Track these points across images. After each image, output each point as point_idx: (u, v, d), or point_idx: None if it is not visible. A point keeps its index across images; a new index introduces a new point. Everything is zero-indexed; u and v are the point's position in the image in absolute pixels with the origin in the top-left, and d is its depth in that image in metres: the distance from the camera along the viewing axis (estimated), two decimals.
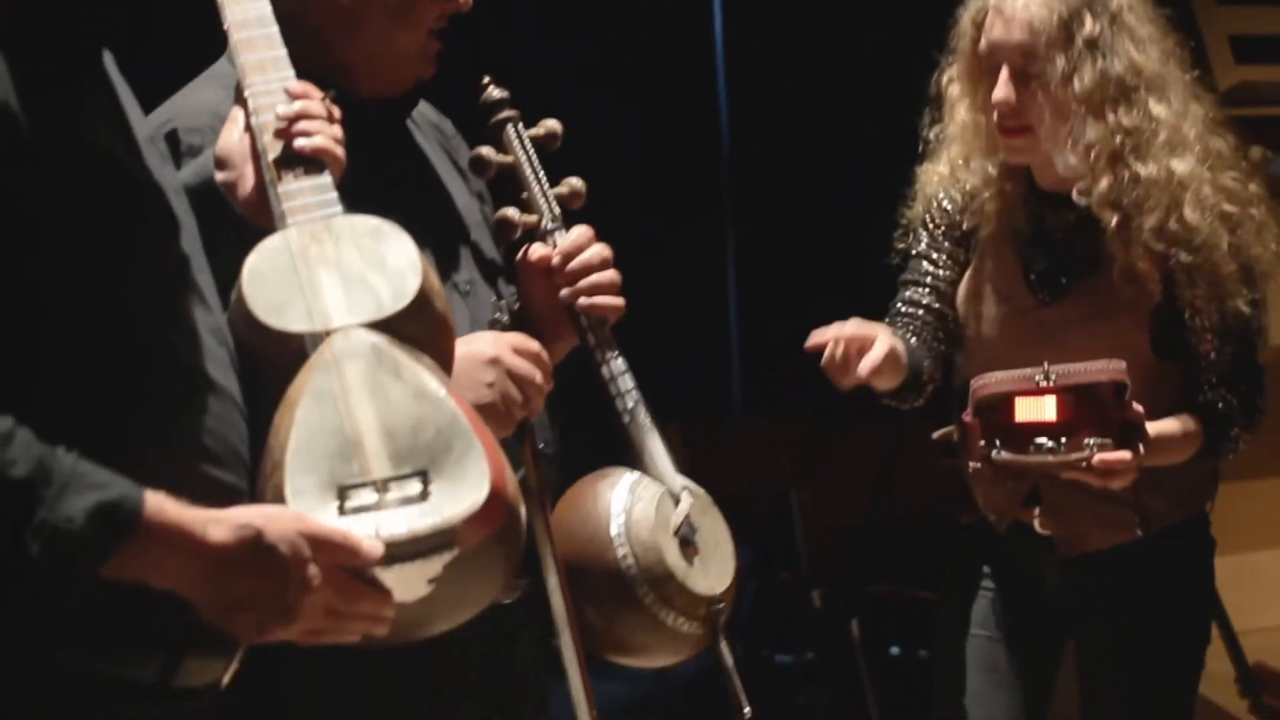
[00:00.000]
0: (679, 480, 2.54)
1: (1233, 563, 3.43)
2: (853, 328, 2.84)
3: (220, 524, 1.79)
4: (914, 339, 3.11)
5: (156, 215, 1.96)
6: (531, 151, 2.62)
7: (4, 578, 1.70)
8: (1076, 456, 2.81)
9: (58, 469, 1.71)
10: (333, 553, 1.83)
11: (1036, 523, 3.05)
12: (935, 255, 3.15)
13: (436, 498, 1.90)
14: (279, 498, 1.87)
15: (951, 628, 3.17)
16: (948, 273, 3.14)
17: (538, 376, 2.40)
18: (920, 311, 3.14)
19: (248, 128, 2.13)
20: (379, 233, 2.05)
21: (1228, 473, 3.15)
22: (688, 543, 2.49)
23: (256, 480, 1.94)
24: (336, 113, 2.14)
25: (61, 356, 1.80)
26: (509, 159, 2.61)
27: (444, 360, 2.06)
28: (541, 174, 2.62)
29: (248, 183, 2.13)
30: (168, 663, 1.92)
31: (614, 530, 2.46)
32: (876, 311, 3.07)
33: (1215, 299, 2.94)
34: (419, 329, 2.02)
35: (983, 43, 2.98)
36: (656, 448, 2.55)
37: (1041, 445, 2.81)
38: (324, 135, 2.10)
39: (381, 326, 1.99)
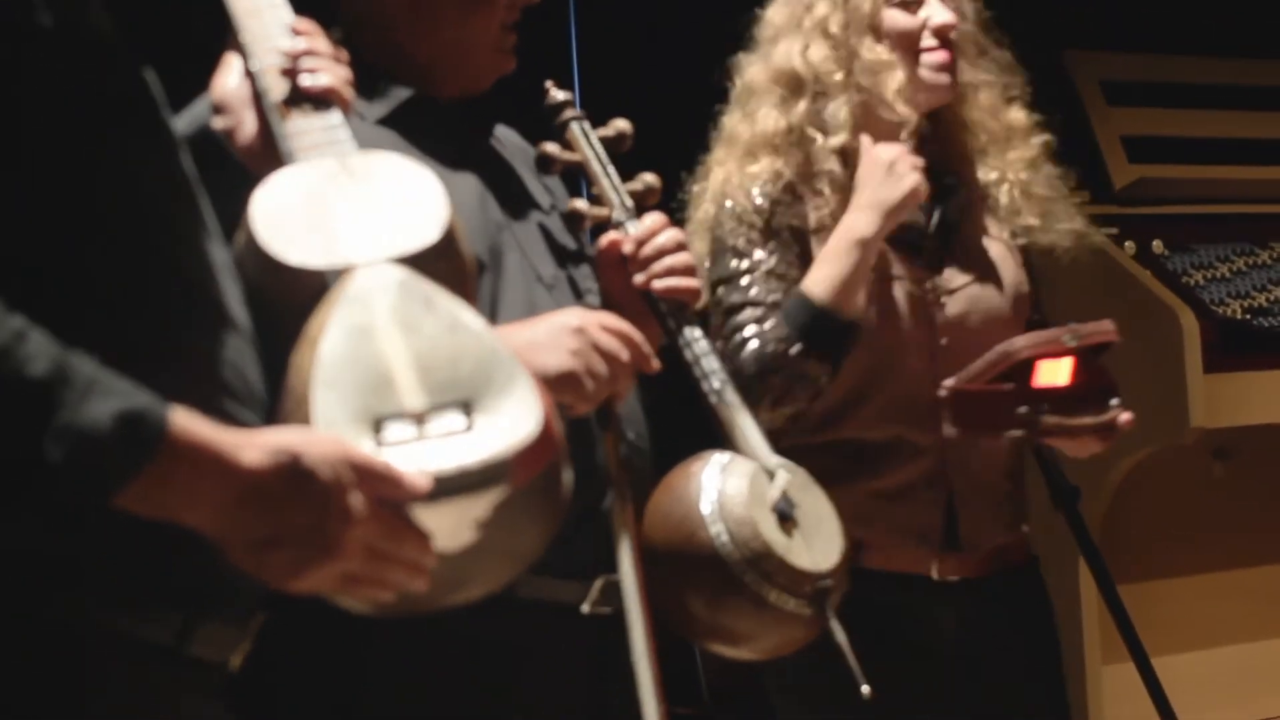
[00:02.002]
0: (774, 458, 2.46)
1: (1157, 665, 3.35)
2: None
3: (254, 446, 1.60)
4: None
5: (165, 123, 1.80)
6: (599, 148, 2.60)
7: (17, 492, 1.50)
8: (1109, 418, 2.78)
9: (79, 371, 1.52)
10: (376, 484, 1.64)
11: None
12: (776, 260, 2.99)
13: (482, 430, 1.72)
14: None
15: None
16: (795, 274, 2.99)
17: (625, 354, 2.32)
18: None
19: (246, 73, 1.99)
20: (399, 169, 1.91)
21: (1143, 573, 3.15)
22: (786, 518, 2.38)
23: (276, 421, 1.75)
24: (344, 53, 2.01)
25: (71, 261, 1.62)
26: (576, 156, 2.58)
27: (469, 306, 1.91)
28: (610, 168, 2.59)
29: (248, 128, 1.99)
30: (184, 624, 1.71)
31: (706, 508, 2.35)
32: None
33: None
34: (445, 270, 1.87)
35: None
36: (748, 425, 2.48)
37: (1081, 406, 2.73)
38: (332, 74, 1.97)
39: (407, 262, 1.84)
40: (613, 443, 2.41)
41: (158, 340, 1.68)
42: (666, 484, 2.42)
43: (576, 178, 2.64)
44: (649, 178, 2.59)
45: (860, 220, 2.91)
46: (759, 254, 2.97)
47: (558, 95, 2.62)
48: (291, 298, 1.82)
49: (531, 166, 2.63)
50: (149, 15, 2.28)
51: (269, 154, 1.95)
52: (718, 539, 2.33)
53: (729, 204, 3.01)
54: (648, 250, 2.51)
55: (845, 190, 2.98)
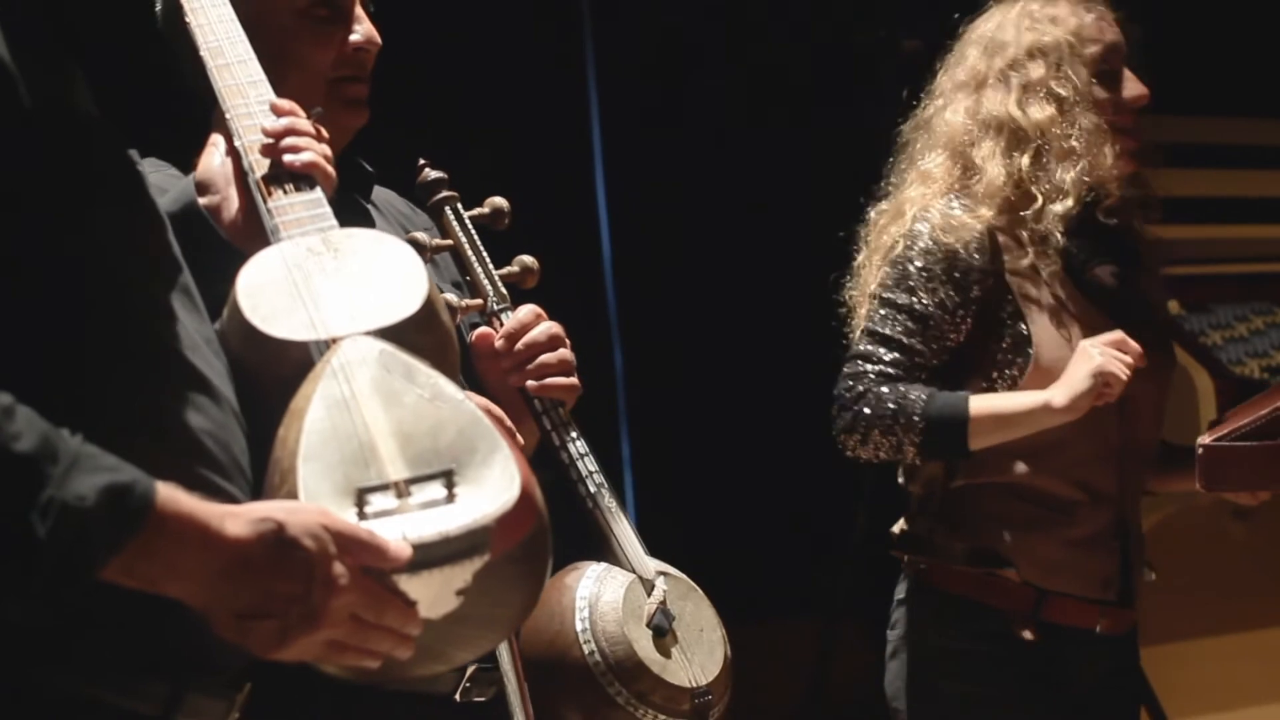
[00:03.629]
0: (652, 565, 2.39)
1: None
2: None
3: (238, 518, 1.62)
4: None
5: (149, 201, 1.83)
6: (472, 231, 2.51)
7: (5, 568, 1.52)
8: None
9: (64, 447, 1.55)
10: (358, 553, 1.66)
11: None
12: (933, 309, 3.06)
13: (464, 499, 1.75)
14: None
15: None
16: (955, 323, 3.08)
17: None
18: (918, 372, 3.05)
19: (229, 152, 2.03)
20: (380, 242, 1.94)
21: (1163, 635, 3.18)
22: (663, 632, 2.33)
23: (262, 495, 1.78)
24: (324, 131, 2.04)
25: (59, 337, 1.65)
26: (448, 241, 2.50)
27: (452, 377, 1.93)
28: (484, 254, 2.51)
29: (233, 205, 2.02)
30: (171, 694, 1.72)
31: (579, 625, 2.32)
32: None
33: None
34: (426, 341, 1.89)
35: (1098, 45, 3.14)
36: (625, 532, 2.41)
37: None
38: (313, 151, 2.00)
39: (388, 334, 1.86)
40: None
41: (140, 414, 1.71)
42: (540, 598, 2.39)
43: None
44: (526, 259, 2.51)
45: (1059, 394, 2.96)
46: (927, 300, 3.05)
47: (430, 175, 2.54)
48: (276, 371, 1.84)
49: (414, 229, 2.56)
50: (138, 92, 2.33)
51: (254, 230, 1.98)
52: (590, 658, 2.30)
53: (923, 241, 3.07)
54: (520, 346, 2.43)
55: (1051, 248, 3.08)
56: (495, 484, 1.76)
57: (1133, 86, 3.15)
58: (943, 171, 3.14)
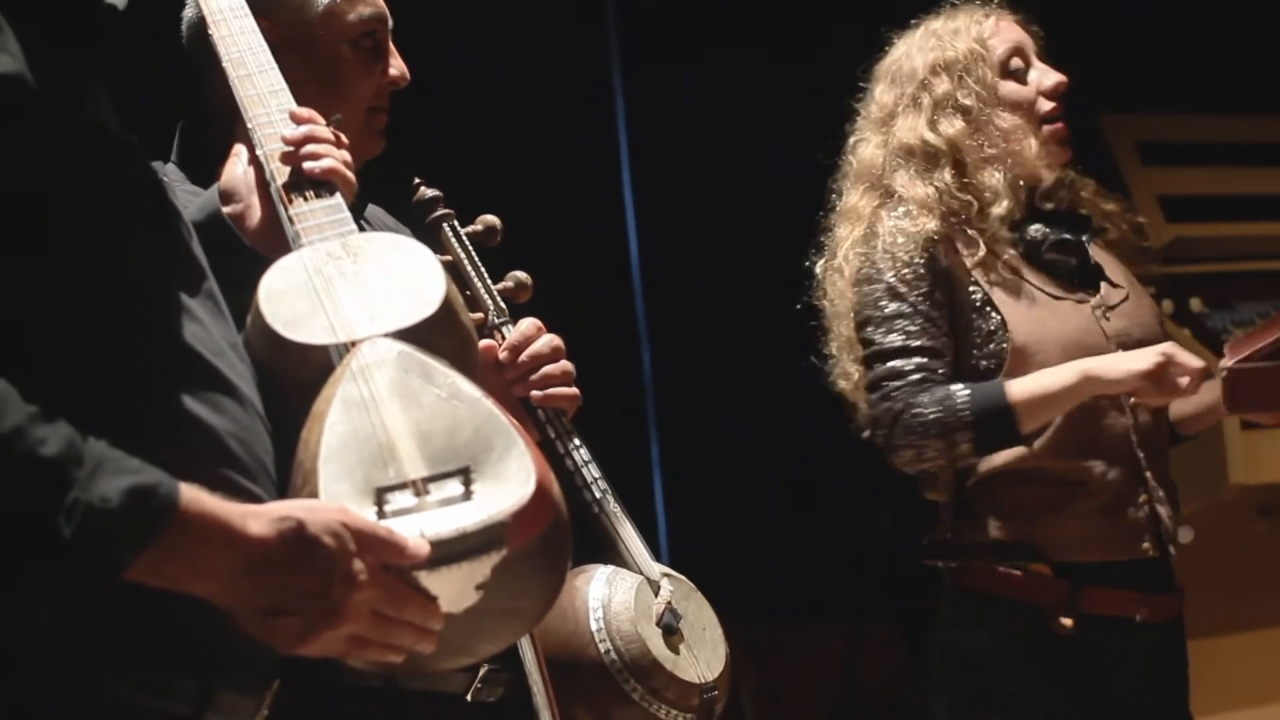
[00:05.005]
0: (657, 568, 2.47)
1: None
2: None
3: (259, 517, 1.67)
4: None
5: (172, 210, 1.87)
6: (470, 248, 2.59)
7: (33, 570, 1.57)
8: None
9: (89, 451, 1.60)
10: (378, 550, 1.70)
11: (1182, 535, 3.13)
12: (924, 305, 3.08)
13: (481, 496, 1.79)
14: None
15: None
16: (945, 315, 3.11)
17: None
18: (940, 368, 3.07)
19: (252, 160, 2.07)
20: (398, 246, 1.99)
21: (1189, 631, 3.18)
22: (672, 630, 2.43)
23: (287, 496, 1.82)
24: (344, 138, 2.09)
25: (85, 344, 1.70)
26: (447, 257, 2.56)
27: (472, 376, 1.97)
28: (482, 269, 2.58)
29: (255, 213, 2.06)
30: (200, 693, 1.77)
31: (594, 625, 2.39)
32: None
33: None
34: (445, 341, 1.94)
35: (1004, 46, 3.20)
36: (630, 536, 2.49)
37: None
38: (333, 158, 2.05)
39: (407, 336, 1.90)
40: None
41: (166, 417, 1.76)
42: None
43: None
44: (520, 275, 2.59)
45: (1099, 364, 3.01)
46: (916, 297, 3.07)
47: (427, 193, 2.61)
48: (299, 375, 1.89)
49: None
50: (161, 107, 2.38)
51: (276, 237, 2.03)
52: (607, 656, 2.38)
53: (884, 254, 3.09)
54: (524, 358, 2.51)
55: (1003, 239, 3.13)
56: (512, 480, 1.80)
57: (1049, 76, 3.20)
58: (865, 202, 3.18)
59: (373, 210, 2.67)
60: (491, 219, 2.61)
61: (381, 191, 2.64)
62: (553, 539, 1.84)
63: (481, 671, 2.38)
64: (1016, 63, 3.20)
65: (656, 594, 2.44)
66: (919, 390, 3.00)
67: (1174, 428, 3.28)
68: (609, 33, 5.45)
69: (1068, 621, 3.01)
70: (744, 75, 5.25)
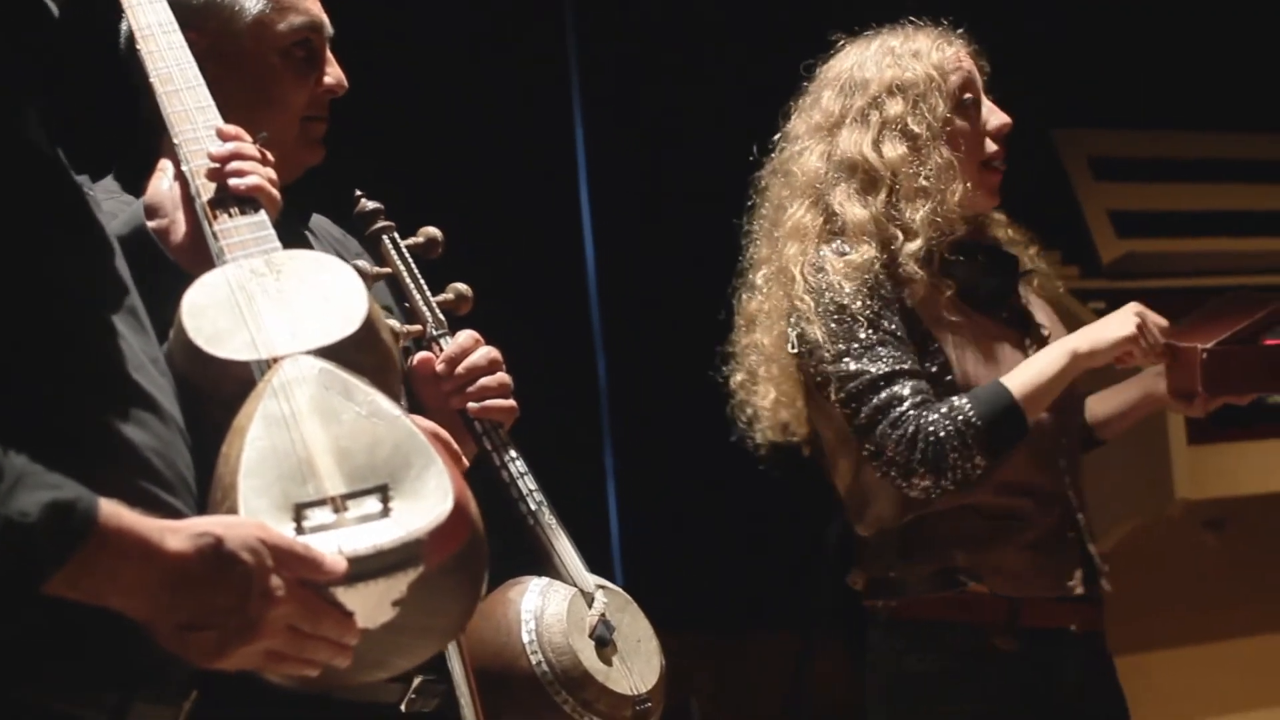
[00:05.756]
0: (591, 579, 2.48)
1: None
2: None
3: (178, 533, 1.68)
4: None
5: (97, 226, 1.88)
6: (410, 260, 2.59)
7: None
8: None
9: (8, 465, 1.61)
10: (295, 566, 1.72)
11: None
12: (898, 330, 3.05)
13: (399, 513, 1.80)
14: None
15: None
16: (907, 340, 3.07)
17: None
18: (928, 388, 3.04)
19: (178, 176, 2.08)
20: (321, 264, 2.00)
21: (1138, 644, 3.20)
22: (605, 642, 2.44)
23: (206, 510, 1.83)
24: (270, 155, 2.10)
25: (3, 358, 1.71)
26: (387, 270, 2.58)
27: (393, 394, 1.98)
28: (422, 281, 2.59)
29: (180, 228, 2.08)
30: (118, 704, 1.78)
31: (525, 637, 2.40)
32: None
33: None
34: (367, 359, 1.95)
35: (959, 76, 3.17)
36: (565, 548, 2.50)
37: None
38: (258, 175, 2.06)
39: (328, 353, 1.92)
40: None
41: (87, 432, 1.77)
42: (484, 610, 2.43)
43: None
44: (460, 287, 2.59)
45: (1081, 339, 3.04)
46: (887, 322, 3.03)
47: (368, 205, 2.61)
48: (220, 390, 1.90)
49: (347, 255, 2.60)
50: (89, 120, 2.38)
51: (200, 253, 2.03)
52: (539, 668, 2.38)
53: (839, 287, 3.04)
54: (460, 370, 2.52)
55: (934, 276, 3.10)
56: (430, 498, 1.82)
57: (996, 116, 3.17)
58: (810, 219, 3.14)
59: (317, 220, 2.69)
60: (433, 231, 2.61)
61: (325, 202, 2.65)
62: (469, 556, 1.85)
63: (416, 682, 2.39)
64: (969, 97, 3.15)
65: (590, 606, 2.45)
66: (924, 410, 2.97)
67: (1091, 431, 3.30)
68: (566, 36, 5.46)
69: (1008, 643, 3.03)
70: (701, 82, 5.26)
